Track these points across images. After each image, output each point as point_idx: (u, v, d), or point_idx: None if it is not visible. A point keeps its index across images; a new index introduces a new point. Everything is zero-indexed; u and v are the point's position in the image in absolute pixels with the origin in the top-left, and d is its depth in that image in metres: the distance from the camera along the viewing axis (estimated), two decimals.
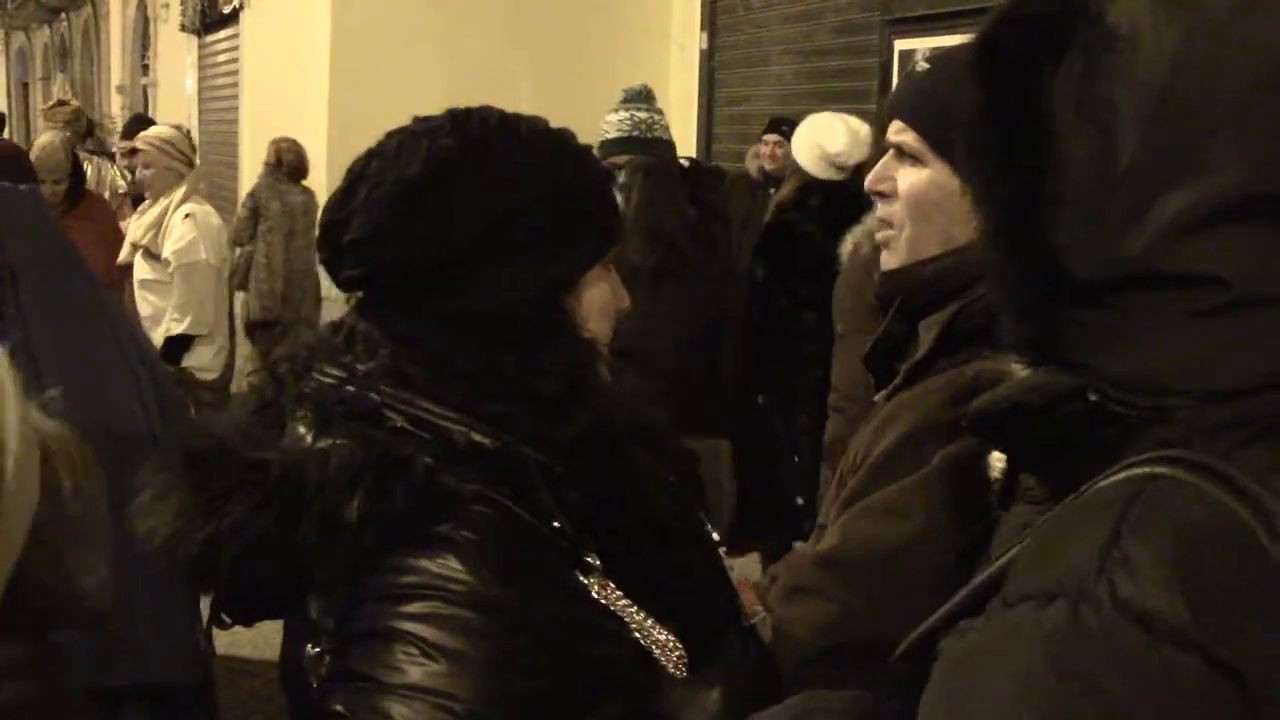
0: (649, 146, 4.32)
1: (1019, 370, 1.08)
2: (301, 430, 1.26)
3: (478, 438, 1.26)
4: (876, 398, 1.85)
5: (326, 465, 1.20)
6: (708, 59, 8.71)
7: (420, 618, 1.17)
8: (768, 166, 6.52)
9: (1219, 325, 0.94)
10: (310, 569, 1.21)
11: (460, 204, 1.31)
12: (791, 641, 1.68)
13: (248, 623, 1.33)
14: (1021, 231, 1.03)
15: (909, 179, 1.75)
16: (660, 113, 4.64)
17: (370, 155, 1.36)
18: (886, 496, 1.68)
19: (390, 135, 1.38)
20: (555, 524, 1.27)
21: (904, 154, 1.76)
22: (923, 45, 6.21)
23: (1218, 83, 0.94)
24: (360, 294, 1.39)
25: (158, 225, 5.55)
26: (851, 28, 7.21)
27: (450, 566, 1.19)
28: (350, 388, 1.28)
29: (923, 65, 1.83)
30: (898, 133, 1.76)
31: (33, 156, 5.38)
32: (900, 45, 6.43)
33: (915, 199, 1.75)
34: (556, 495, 1.27)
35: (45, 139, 6.24)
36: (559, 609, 1.24)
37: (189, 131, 6.23)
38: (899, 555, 1.65)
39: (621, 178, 3.96)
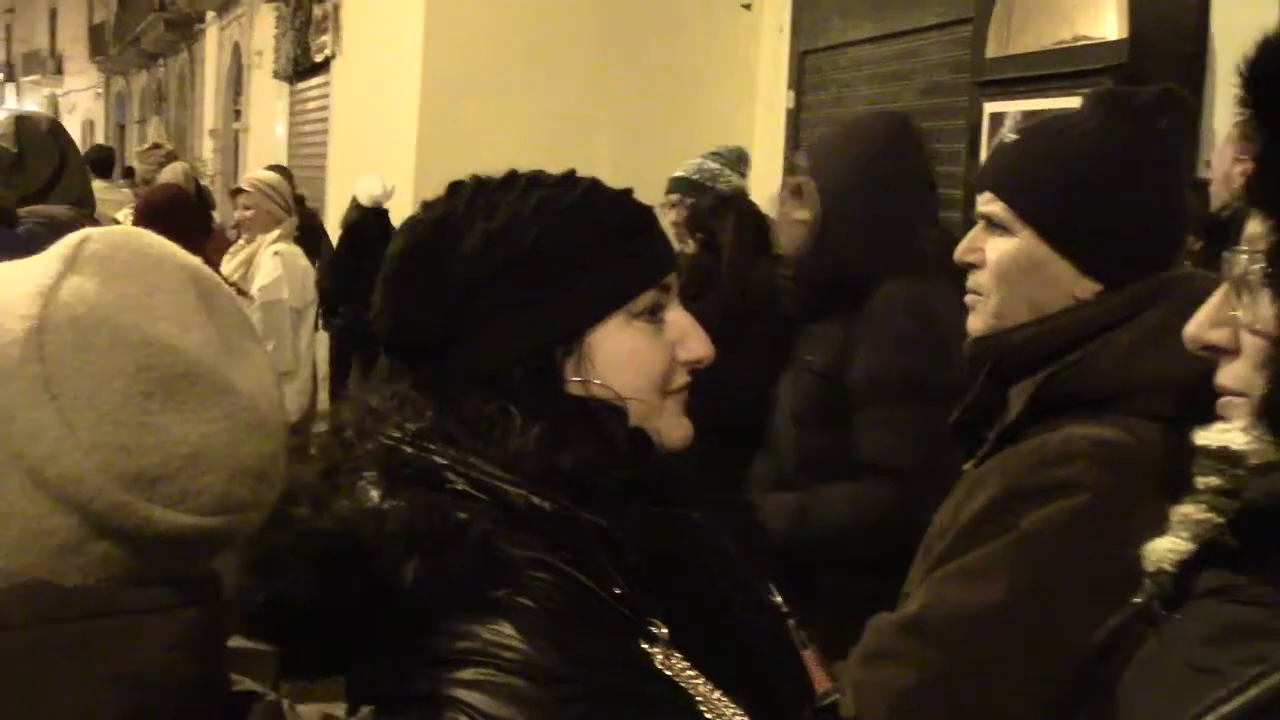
0: (702, 193, 4.38)
1: (1248, 442, 1.02)
2: (372, 493, 1.24)
3: (536, 501, 1.23)
4: (965, 466, 1.83)
5: (382, 529, 1.20)
6: (794, 117, 8.70)
7: (472, 684, 1.14)
8: None
9: None
10: (365, 632, 1.20)
11: (438, 271, 1.32)
12: (871, 707, 1.65)
13: (312, 679, 1.32)
14: None
15: (997, 249, 1.78)
16: (741, 175, 4.65)
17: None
18: (971, 561, 1.65)
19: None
20: (615, 591, 1.22)
21: (992, 224, 1.79)
22: (1013, 108, 6.15)
23: None
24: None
25: (248, 264, 5.66)
26: (940, 89, 7.17)
27: (503, 633, 1.16)
28: (409, 449, 1.27)
29: (1011, 135, 1.87)
30: (986, 203, 1.80)
31: None
32: (990, 108, 6.36)
33: (1002, 268, 1.77)
34: (616, 561, 1.24)
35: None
36: (619, 680, 1.19)
37: (292, 176, 6.35)
38: (983, 621, 1.61)
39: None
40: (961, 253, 1.83)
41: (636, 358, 1.35)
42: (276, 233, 5.78)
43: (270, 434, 1.07)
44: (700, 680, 1.25)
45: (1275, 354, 1.04)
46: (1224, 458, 1.12)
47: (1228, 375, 1.20)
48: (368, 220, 8.01)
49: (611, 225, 1.36)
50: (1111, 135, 1.75)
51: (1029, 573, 1.60)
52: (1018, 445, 1.70)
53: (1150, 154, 1.74)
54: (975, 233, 1.82)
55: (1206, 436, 1.16)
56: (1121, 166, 1.73)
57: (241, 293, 5.59)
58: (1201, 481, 1.15)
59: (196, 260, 1.10)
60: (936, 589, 1.68)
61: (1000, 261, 1.78)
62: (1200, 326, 1.23)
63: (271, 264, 5.64)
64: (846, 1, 8.07)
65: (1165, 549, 1.15)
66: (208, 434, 1.01)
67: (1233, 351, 1.21)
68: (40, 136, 4.23)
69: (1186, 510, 1.16)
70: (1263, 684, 0.96)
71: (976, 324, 1.83)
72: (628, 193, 1.40)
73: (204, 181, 10.44)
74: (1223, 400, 1.21)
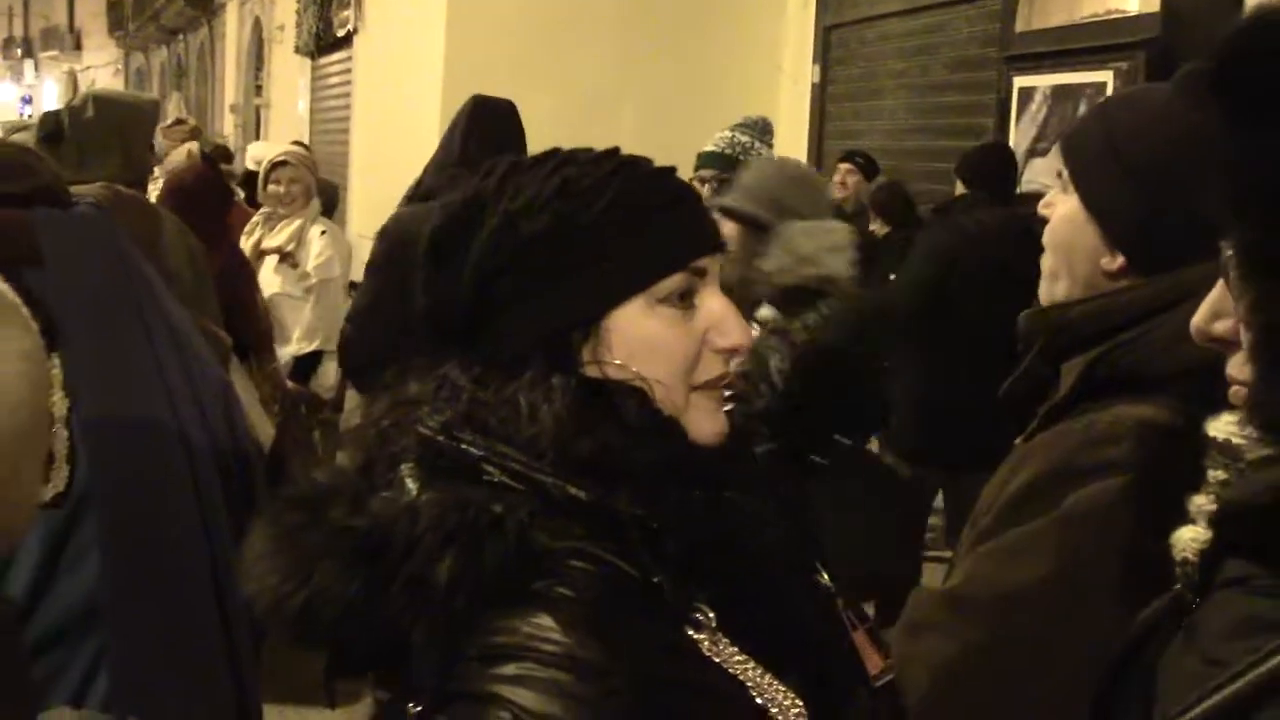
0: (735, 166, 4.36)
1: (1243, 443, 1.01)
2: (409, 486, 1.23)
3: (573, 491, 1.20)
4: (1016, 441, 1.83)
5: (415, 526, 1.18)
6: (819, 91, 8.67)
7: (514, 680, 1.12)
8: (837, 195, 6.83)
9: None
10: (407, 630, 1.18)
11: (464, 252, 1.30)
12: (912, 678, 1.66)
13: (359, 675, 1.32)
14: None
15: (1059, 208, 1.78)
16: (769, 146, 4.63)
17: None
18: (1014, 538, 1.65)
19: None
20: (655, 579, 1.20)
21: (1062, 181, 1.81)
22: (1042, 82, 6.13)
23: None
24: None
25: (297, 237, 5.73)
26: (969, 63, 7.13)
27: (543, 625, 1.14)
28: (443, 439, 1.24)
29: (1105, 99, 1.85)
30: (1059, 161, 1.81)
31: None
32: (1020, 82, 6.34)
33: (1053, 228, 1.79)
34: (655, 549, 1.21)
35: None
36: (665, 668, 1.18)
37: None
38: (1023, 597, 1.62)
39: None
40: (1040, 206, 1.84)
41: (656, 344, 1.29)
42: (315, 207, 5.90)
43: None
44: (749, 665, 1.23)
45: (1253, 347, 1.03)
46: (1226, 451, 1.12)
47: (1234, 366, 1.17)
48: (255, 184, 8.11)
49: (636, 206, 1.30)
50: (1176, 115, 1.70)
51: (1069, 552, 1.59)
52: (1066, 423, 1.70)
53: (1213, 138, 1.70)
54: (1055, 190, 1.82)
55: (1216, 428, 1.15)
56: (1174, 147, 1.68)
57: (294, 265, 5.65)
58: (1211, 474, 1.15)
59: None
60: (978, 564, 1.69)
61: (1053, 221, 1.79)
62: (1203, 319, 1.19)
63: (321, 242, 5.74)
64: None
65: (1188, 538, 1.14)
66: None
67: (1236, 343, 1.16)
68: (80, 118, 4.22)
69: (1200, 500, 1.16)
70: (1249, 675, 0.96)
71: (1040, 288, 1.84)
72: (665, 171, 1.35)
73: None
74: (1233, 390, 1.17)
